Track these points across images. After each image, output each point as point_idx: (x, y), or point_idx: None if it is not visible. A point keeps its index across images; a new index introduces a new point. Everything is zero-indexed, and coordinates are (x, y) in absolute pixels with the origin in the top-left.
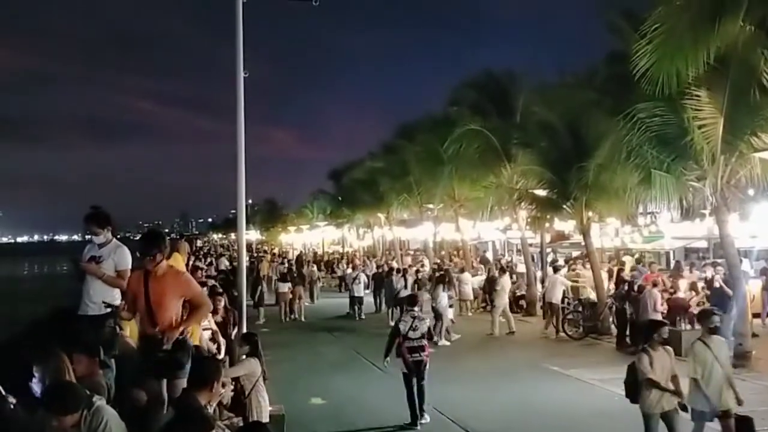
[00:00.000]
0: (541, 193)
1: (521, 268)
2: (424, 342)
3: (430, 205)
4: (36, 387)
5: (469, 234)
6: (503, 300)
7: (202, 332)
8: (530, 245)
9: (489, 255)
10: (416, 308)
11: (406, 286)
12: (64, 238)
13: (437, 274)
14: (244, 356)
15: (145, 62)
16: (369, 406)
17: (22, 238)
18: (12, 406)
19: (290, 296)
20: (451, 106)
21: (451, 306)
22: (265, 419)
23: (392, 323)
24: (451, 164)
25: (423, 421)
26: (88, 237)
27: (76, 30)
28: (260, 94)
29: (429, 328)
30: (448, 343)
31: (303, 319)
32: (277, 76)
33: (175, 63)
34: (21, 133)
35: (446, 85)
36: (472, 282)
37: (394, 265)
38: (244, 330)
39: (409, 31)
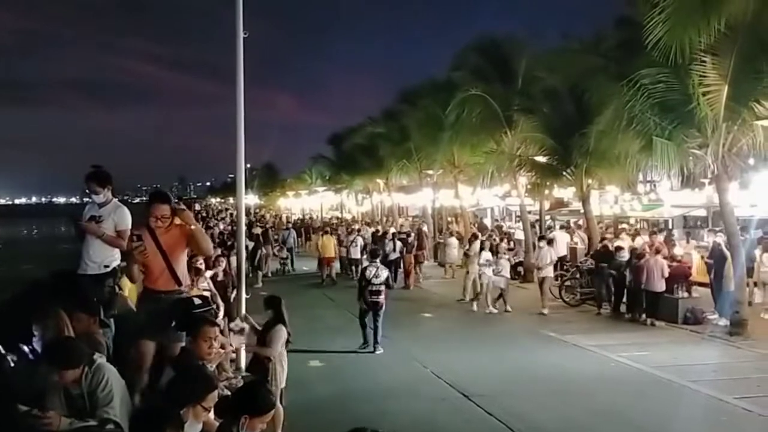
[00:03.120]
0: (542, 159)
1: (519, 234)
2: (383, 288)
3: (430, 171)
4: (36, 345)
5: (468, 200)
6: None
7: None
8: (529, 212)
9: (487, 221)
10: (377, 260)
11: (395, 249)
12: (62, 200)
13: (481, 240)
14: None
15: (147, 25)
16: (366, 368)
17: (20, 200)
18: (12, 364)
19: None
20: (453, 71)
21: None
22: (283, 383)
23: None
24: (451, 130)
25: (378, 351)
26: (87, 197)
27: None
28: (260, 58)
29: (388, 277)
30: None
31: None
32: (278, 39)
33: (176, 26)
34: (21, 95)
35: (449, 50)
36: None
37: (392, 230)
38: (243, 293)
39: None
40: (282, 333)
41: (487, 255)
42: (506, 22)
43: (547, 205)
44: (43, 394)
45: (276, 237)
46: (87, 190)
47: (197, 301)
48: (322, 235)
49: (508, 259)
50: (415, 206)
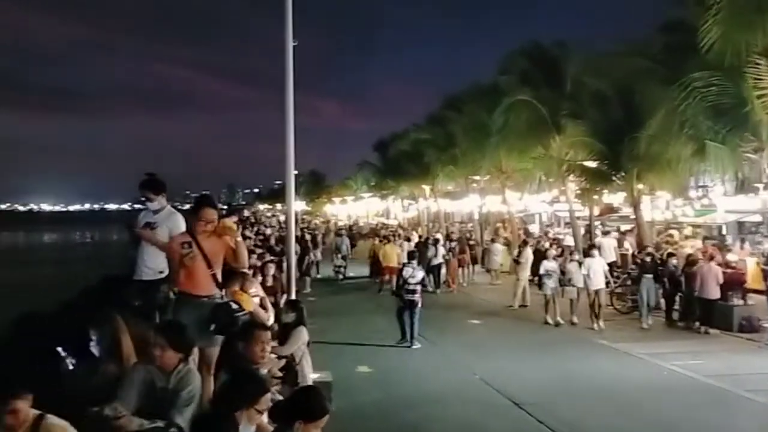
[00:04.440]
0: (591, 164)
1: (569, 241)
2: (418, 287)
3: (476, 177)
4: (94, 349)
5: (516, 206)
6: (525, 273)
7: (251, 298)
8: (578, 218)
9: (535, 227)
10: (414, 262)
11: (436, 254)
12: (114, 206)
13: (545, 249)
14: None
15: (197, 34)
16: (414, 374)
17: (74, 207)
18: (71, 367)
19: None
20: (499, 76)
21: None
22: (309, 383)
23: (430, 288)
24: (498, 135)
25: (414, 347)
26: (142, 203)
27: (127, 4)
28: (306, 64)
29: (423, 278)
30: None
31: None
32: (323, 45)
33: (225, 34)
34: (72, 103)
35: (495, 55)
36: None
37: (438, 236)
38: (293, 297)
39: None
40: (301, 334)
41: (549, 264)
42: (552, 26)
43: (596, 210)
44: (108, 395)
45: (324, 243)
46: (142, 198)
47: (234, 306)
48: (384, 243)
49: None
50: (461, 212)
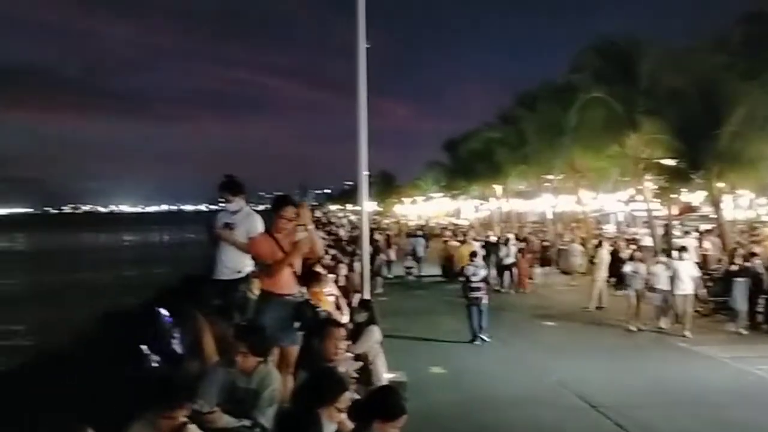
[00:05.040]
0: (669, 162)
1: (646, 241)
2: (482, 284)
3: (549, 176)
4: (176, 347)
5: (590, 206)
6: (601, 273)
7: (326, 297)
8: (655, 218)
9: (611, 227)
10: (476, 260)
11: (508, 255)
12: (190, 208)
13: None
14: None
15: (266, 38)
16: (488, 375)
17: (151, 208)
18: (155, 365)
19: None
20: (572, 74)
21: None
22: (384, 382)
23: (501, 289)
24: (572, 133)
25: (485, 340)
26: (219, 204)
27: (199, 9)
28: (375, 66)
29: (486, 276)
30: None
31: None
32: (391, 45)
33: (296, 38)
34: (148, 107)
35: (566, 52)
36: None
37: (509, 236)
38: (366, 296)
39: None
40: (373, 334)
41: (633, 266)
42: (625, 22)
43: (675, 210)
44: (194, 392)
45: (396, 244)
46: (220, 199)
47: (313, 303)
48: (461, 244)
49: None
50: (533, 212)
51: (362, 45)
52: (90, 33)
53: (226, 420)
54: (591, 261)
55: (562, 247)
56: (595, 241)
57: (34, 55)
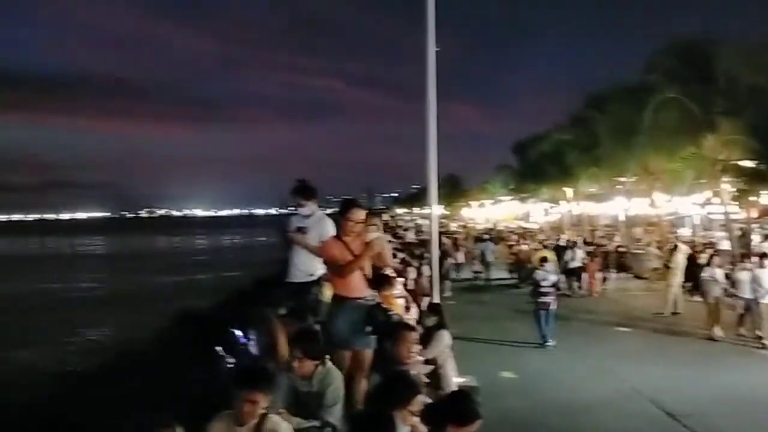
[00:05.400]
0: (748, 164)
1: (724, 245)
2: (552, 290)
3: (622, 179)
4: (252, 348)
5: (665, 209)
6: (677, 278)
7: (397, 300)
8: (733, 221)
9: (686, 231)
10: (546, 265)
11: (574, 258)
12: (261, 212)
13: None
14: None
15: (336, 46)
16: (561, 381)
17: (225, 212)
18: (231, 366)
19: None
20: (646, 74)
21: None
22: (453, 387)
23: (570, 293)
24: (646, 135)
25: (549, 344)
26: (292, 208)
27: (267, 17)
28: (441, 68)
29: (557, 281)
30: None
31: None
32: (458, 48)
33: (361, 42)
34: (220, 114)
35: (639, 53)
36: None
37: (576, 239)
38: (436, 300)
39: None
40: (443, 338)
41: (713, 271)
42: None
43: (754, 213)
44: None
45: (464, 247)
46: (292, 203)
47: (385, 307)
48: (536, 248)
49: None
50: (605, 215)
51: (432, 49)
52: (167, 44)
53: (297, 421)
54: (666, 265)
55: (635, 251)
56: (670, 245)
57: (115, 66)
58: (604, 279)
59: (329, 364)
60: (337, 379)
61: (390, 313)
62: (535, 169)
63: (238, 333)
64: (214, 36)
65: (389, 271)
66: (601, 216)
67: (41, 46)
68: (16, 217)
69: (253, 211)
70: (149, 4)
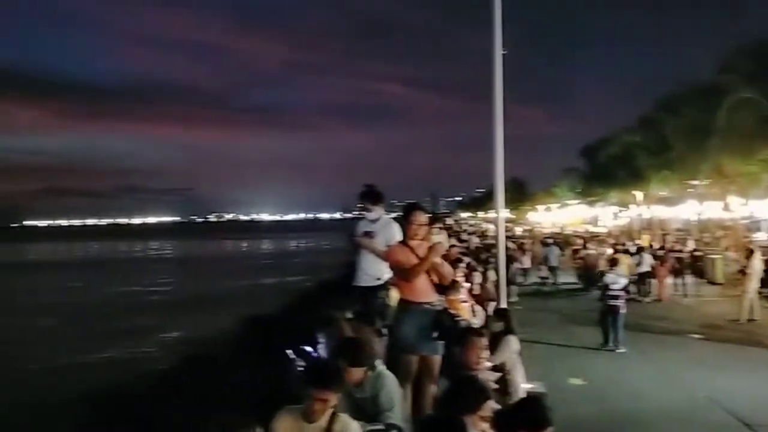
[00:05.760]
0: None
1: None
2: (621, 293)
3: (694, 182)
4: (322, 351)
5: (740, 213)
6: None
7: (463, 305)
8: None
9: (763, 235)
10: (616, 269)
11: (641, 263)
12: (325, 216)
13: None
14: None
15: (393, 49)
16: (631, 388)
17: (290, 216)
18: (301, 368)
19: None
20: (720, 75)
21: None
22: (522, 394)
23: (639, 298)
24: (719, 137)
25: (619, 351)
26: (358, 213)
27: (333, 23)
28: (506, 70)
29: (627, 284)
30: None
31: None
32: (521, 49)
33: (423, 47)
34: (287, 120)
35: (712, 54)
36: None
37: (643, 243)
38: (503, 305)
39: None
40: (510, 343)
41: None
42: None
43: None
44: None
45: (531, 251)
46: (359, 207)
47: (452, 312)
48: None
49: None
50: (677, 219)
51: (498, 52)
52: (236, 51)
53: (357, 424)
54: (741, 271)
55: (710, 255)
56: (745, 250)
57: (186, 73)
58: (676, 284)
59: (380, 367)
60: (390, 381)
61: (457, 317)
62: (603, 172)
63: (308, 349)
64: (281, 42)
65: (459, 275)
66: (672, 220)
67: (115, 54)
68: (90, 221)
69: (317, 215)
70: (218, 12)
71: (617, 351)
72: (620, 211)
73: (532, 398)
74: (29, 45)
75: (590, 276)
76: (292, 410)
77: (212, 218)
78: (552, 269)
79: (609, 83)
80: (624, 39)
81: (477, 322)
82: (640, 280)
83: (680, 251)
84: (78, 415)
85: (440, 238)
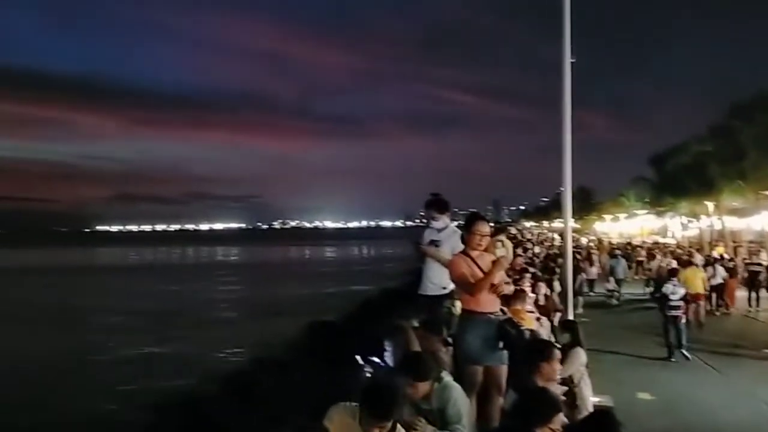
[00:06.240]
0: None
1: None
2: (681, 303)
3: None
4: (388, 359)
5: None
6: None
7: (529, 315)
8: None
9: None
10: (675, 279)
11: (714, 275)
12: (387, 223)
13: None
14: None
15: (460, 57)
16: (702, 404)
17: (352, 224)
18: (368, 375)
19: None
20: None
21: None
22: (590, 409)
23: (716, 312)
24: None
25: (684, 359)
26: (421, 221)
27: (401, 31)
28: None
29: (685, 294)
30: None
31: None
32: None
33: (489, 55)
34: (353, 128)
35: None
36: None
37: (717, 255)
38: (570, 317)
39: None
40: (578, 356)
41: None
42: None
43: None
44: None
45: (598, 262)
46: (426, 216)
47: (516, 321)
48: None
49: None
50: (749, 230)
51: (567, 60)
52: (301, 60)
53: (431, 430)
54: None
55: None
56: None
57: (254, 82)
58: (750, 298)
59: (447, 379)
60: (457, 393)
61: (522, 328)
62: (673, 181)
63: (377, 360)
64: (349, 51)
65: (527, 285)
66: (745, 231)
67: (186, 64)
68: (159, 227)
69: (379, 223)
70: (287, 22)
71: (686, 357)
72: (689, 222)
73: (604, 412)
74: (101, 56)
75: (656, 287)
76: (348, 407)
77: (277, 225)
78: (618, 282)
79: (678, 90)
80: (695, 44)
81: (543, 333)
82: (715, 292)
83: (758, 264)
84: (151, 418)
85: (503, 251)
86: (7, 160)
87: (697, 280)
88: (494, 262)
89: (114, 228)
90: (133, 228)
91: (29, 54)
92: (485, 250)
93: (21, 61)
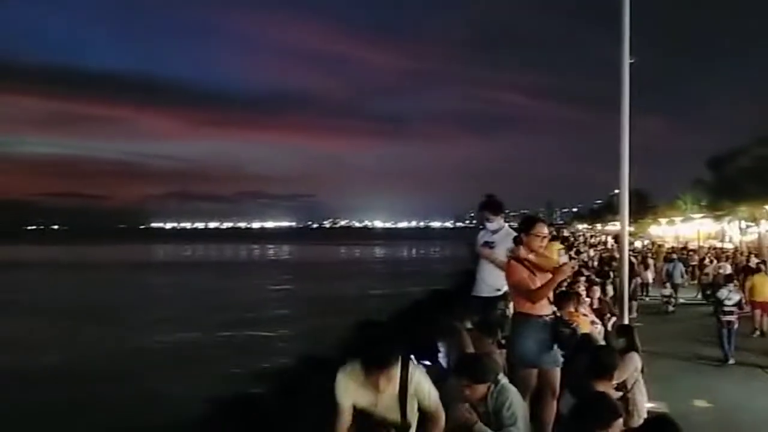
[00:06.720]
0: None
1: None
2: (735, 309)
3: None
4: (442, 360)
5: None
6: None
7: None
8: None
9: None
10: (731, 285)
11: None
12: (436, 224)
13: None
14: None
15: (514, 57)
16: (761, 414)
17: (402, 224)
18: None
19: None
20: None
21: None
22: (644, 415)
23: None
24: None
25: (730, 362)
26: (472, 223)
27: (453, 32)
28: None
29: (740, 300)
30: None
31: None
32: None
33: (544, 56)
34: (403, 129)
35: None
36: None
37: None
38: (625, 321)
39: None
40: (633, 361)
41: None
42: None
43: None
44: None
45: (654, 266)
46: (480, 218)
47: (570, 323)
48: (751, 273)
49: None
50: None
51: (626, 60)
52: (356, 61)
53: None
54: None
55: None
56: None
57: (307, 82)
58: None
59: (503, 381)
60: (512, 395)
61: (573, 326)
62: (732, 185)
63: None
64: (403, 51)
65: (581, 289)
66: None
67: (245, 65)
68: (212, 224)
69: (429, 223)
70: (339, 23)
71: (728, 363)
72: (747, 226)
73: (664, 419)
74: (165, 57)
75: (712, 292)
76: (350, 373)
77: (327, 224)
78: (675, 287)
79: (737, 92)
80: (759, 46)
81: (597, 337)
82: None
83: None
84: (203, 412)
85: (565, 258)
86: (76, 158)
87: (766, 286)
88: (556, 270)
89: (168, 225)
90: (187, 225)
91: (96, 55)
92: (542, 253)
93: (91, 63)
